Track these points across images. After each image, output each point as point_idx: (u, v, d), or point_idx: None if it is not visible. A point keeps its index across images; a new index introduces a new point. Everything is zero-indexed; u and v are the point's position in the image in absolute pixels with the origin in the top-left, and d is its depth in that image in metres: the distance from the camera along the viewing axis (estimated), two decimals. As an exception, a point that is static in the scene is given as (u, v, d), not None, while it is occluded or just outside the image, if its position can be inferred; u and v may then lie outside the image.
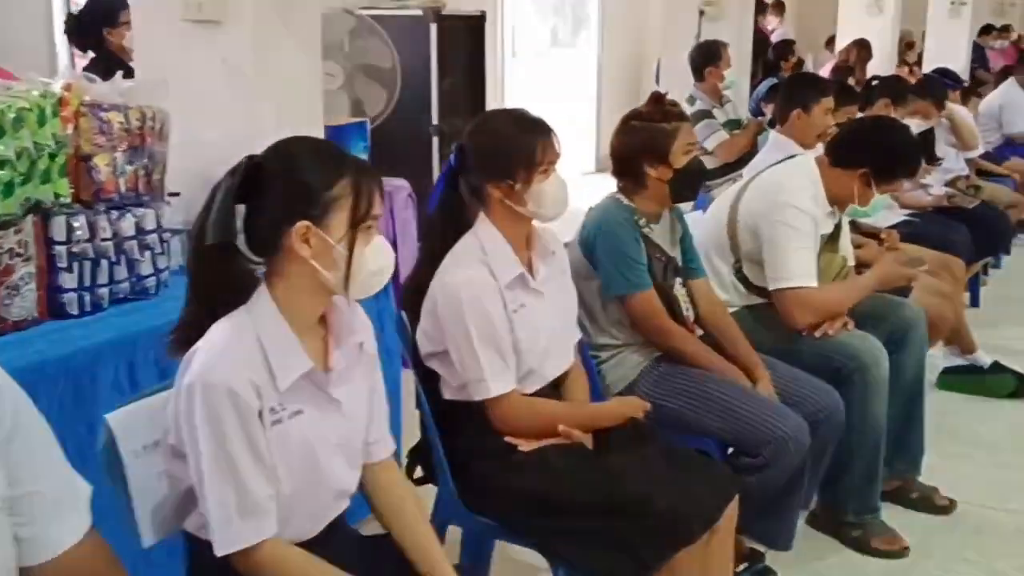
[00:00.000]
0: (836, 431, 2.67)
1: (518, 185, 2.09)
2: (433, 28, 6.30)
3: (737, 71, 6.36)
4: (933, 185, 5.06)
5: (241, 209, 1.53)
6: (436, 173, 6.49)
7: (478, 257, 2.09)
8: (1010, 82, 7.36)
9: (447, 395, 2.13)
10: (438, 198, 2.18)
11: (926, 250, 4.28)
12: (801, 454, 2.47)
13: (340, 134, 4.20)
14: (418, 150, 6.43)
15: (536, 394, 2.18)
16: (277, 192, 1.54)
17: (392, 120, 6.15)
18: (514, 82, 9.59)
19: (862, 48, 8.64)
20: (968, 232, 4.71)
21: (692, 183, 2.64)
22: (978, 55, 12.99)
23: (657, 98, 2.62)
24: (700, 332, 2.72)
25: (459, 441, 2.14)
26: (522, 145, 2.09)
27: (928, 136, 5.08)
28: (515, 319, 2.09)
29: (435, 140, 6.42)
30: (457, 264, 2.09)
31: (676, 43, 6.25)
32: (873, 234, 4.19)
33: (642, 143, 2.59)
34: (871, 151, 2.93)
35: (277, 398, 1.54)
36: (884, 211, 4.63)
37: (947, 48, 12.08)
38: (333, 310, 1.66)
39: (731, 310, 3.02)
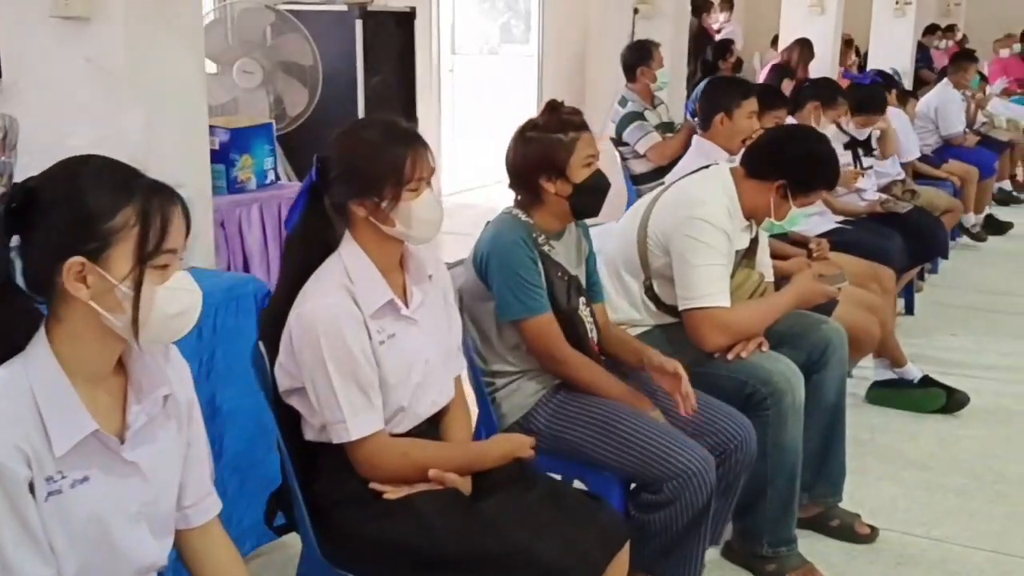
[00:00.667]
0: (747, 461, 2.51)
1: (384, 203, 1.88)
2: (359, 24, 6.08)
3: (672, 71, 6.21)
4: (867, 190, 4.94)
5: (15, 241, 1.32)
6: (363, 175, 6.28)
7: (340, 282, 1.88)
8: (944, 83, 7.28)
9: (308, 436, 1.93)
10: (299, 216, 1.96)
11: (856, 259, 4.15)
12: (706, 490, 2.29)
13: (243, 137, 3.96)
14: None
15: (410, 433, 1.98)
16: (50, 222, 1.33)
17: (315, 120, 5.91)
18: (456, 81, 9.38)
19: (804, 48, 8.54)
20: (902, 239, 4.58)
21: (593, 198, 2.45)
22: (923, 55, 12.99)
23: (553, 107, 2.43)
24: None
25: (322, 486, 1.94)
26: (390, 158, 1.88)
27: (863, 140, 4.98)
28: (382, 351, 1.89)
29: (361, 141, 6.20)
30: (316, 291, 1.88)
31: (610, 43, 6.07)
32: (803, 243, 4.06)
33: (538, 156, 2.41)
34: (787, 162, 2.77)
35: (54, 465, 1.33)
36: (816, 218, 4.53)
37: (891, 48, 12.07)
38: (131, 358, 1.45)
39: (642, 330, 2.86)
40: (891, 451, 3.65)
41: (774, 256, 3.78)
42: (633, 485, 2.39)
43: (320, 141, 6.22)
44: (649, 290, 2.83)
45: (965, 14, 16.06)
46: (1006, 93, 12.47)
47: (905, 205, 4.89)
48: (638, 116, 5.25)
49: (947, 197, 5.74)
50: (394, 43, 6.48)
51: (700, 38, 10.26)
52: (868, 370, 4.17)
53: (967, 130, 7.26)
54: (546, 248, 2.42)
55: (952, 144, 7.06)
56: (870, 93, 5.02)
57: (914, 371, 4.04)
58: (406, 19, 6.54)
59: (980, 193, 7.00)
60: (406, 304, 1.97)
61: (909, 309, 5.32)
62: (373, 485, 1.89)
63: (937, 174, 6.51)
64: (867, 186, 4.94)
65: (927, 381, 4.02)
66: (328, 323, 1.82)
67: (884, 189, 5.57)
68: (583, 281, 2.56)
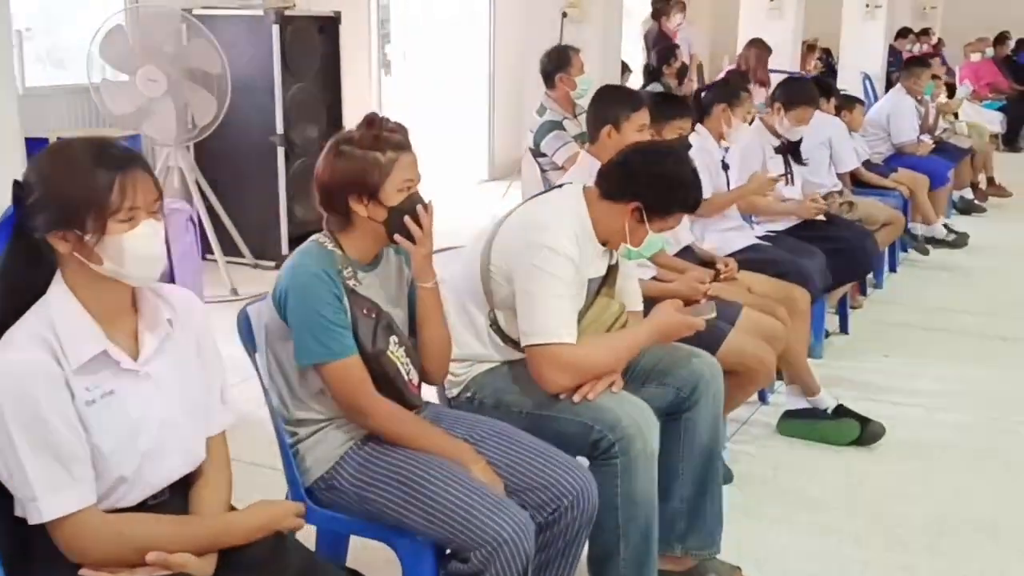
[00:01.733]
0: (586, 517, 2.23)
1: (88, 236, 1.60)
2: (276, 29, 5.81)
3: (603, 78, 5.95)
4: (795, 200, 4.67)
5: None
6: (282, 186, 6.01)
7: (38, 333, 1.60)
8: (897, 89, 7.02)
9: (17, 511, 1.65)
10: (3, 253, 1.68)
11: (768, 279, 3.90)
12: (519, 560, 2.02)
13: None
14: (260, 162, 5.94)
15: (146, 506, 1.71)
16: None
17: (230, 130, 5.66)
18: (400, 86, 9.12)
19: (758, 49, 8.27)
20: (825, 257, 4.32)
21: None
22: (896, 59, 12.73)
23: (371, 121, 2.16)
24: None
25: (33, 570, 1.66)
26: (91, 183, 1.60)
27: (795, 144, 4.70)
28: (91, 413, 1.61)
29: (280, 151, 5.94)
30: (6, 345, 1.60)
31: (539, 47, 5.79)
32: (710, 262, 3.80)
33: (348, 175, 2.14)
34: (642, 182, 2.50)
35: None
36: (732, 234, 4.26)
37: (862, 52, 11.83)
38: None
39: (488, 366, 2.59)
40: (792, 491, 3.38)
41: (670, 269, 3.54)
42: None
43: (235, 152, 5.96)
44: (494, 323, 2.56)
45: (942, 18, 15.85)
46: (976, 97, 12.26)
47: (841, 209, 4.63)
48: (556, 125, 4.99)
49: (887, 209, 5.46)
50: (317, 49, 6.22)
51: (660, 43, 10.01)
52: (783, 397, 3.91)
53: (920, 138, 6.99)
54: (352, 282, 2.15)
55: (904, 152, 6.81)
56: (798, 85, 4.76)
57: (827, 400, 3.78)
58: (330, 24, 6.28)
59: (933, 203, 6.74)
60: (136, 355, 1.70)
61: (843, 328, 5.05)
62: (83, 572, 1.61)
63: (884, 183, 6.25)
64: (794, 195, 4.67)
65: (841, 411, 3.75)
66: (14, 385, 1.54)
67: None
68: (405, 315, 2.29)
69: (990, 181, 8.69)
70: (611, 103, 3.40)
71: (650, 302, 2.99)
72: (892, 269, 6.21)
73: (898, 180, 6.33)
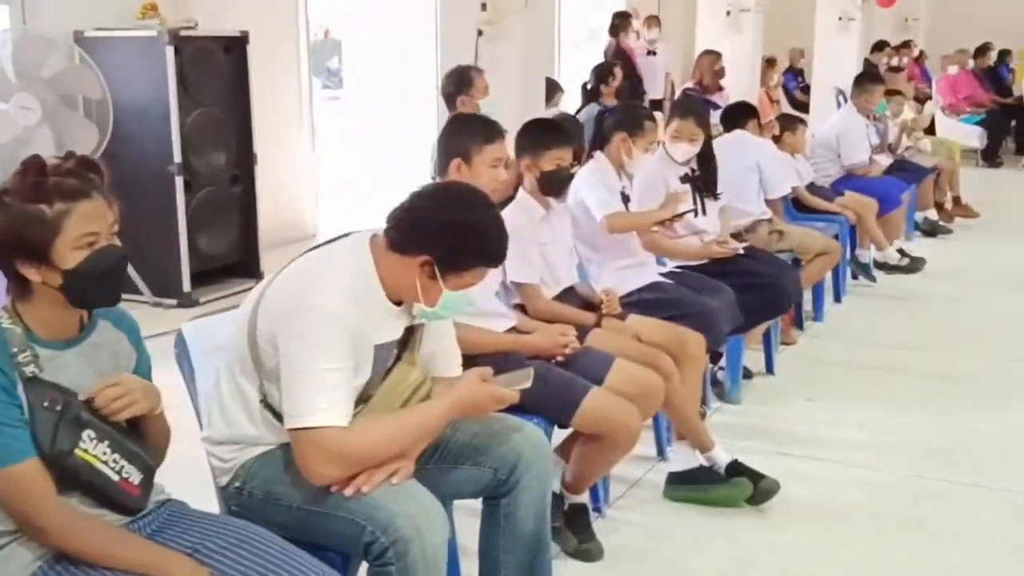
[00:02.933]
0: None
1: None
2: (170, 51, 5.43)
3: (525, 98, 5.60)
4: (707, 232, 4.27)
5: None
6: (182, 219, 5.63)
7: None
8: (848, 107, 6.63)
9: None
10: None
11: (659, 323, 3.52)
12: None
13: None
14: (159, 193, 5.56)
15: None
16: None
17: (123, 159, 5.27)
18: (349, 107, 8.78)
19: (710, 60, 7.91)
20: (736, 293, 3.92)
21: (100, 284, 1.83)
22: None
23: (28, 167, 1.78)
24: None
25: None
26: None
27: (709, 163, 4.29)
28: None
29: (179, 181, 5.57)
30: None
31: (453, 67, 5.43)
32: (590, 305, 3.43)
33: (6, 234, 1.77)
34: (432, 232, 2.11)
35: None
36: (630, 271, 3.86)
37: (834, 65, 11.47)
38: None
39: (263, 449, 2.20)
40: (671, 568, 2.98)
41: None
42: None
43: (130, 183, 5.52)
44: (264, 398, 2.17)
45: (927, 30, 15.48)
46: (953, 111, 11.88)
47: (739, 246, 4.23)
48: (457, 152, 4.61)
49: (821, 238, 5.06)
50: (222, 71, 5.86)
51: (619, 60, 9.64)
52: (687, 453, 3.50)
53: (874, 158, 6.60)
54: (31, 368, 1.76)
55: (856, 174, 6.41)
56: (682, 101, 4.38)
57: (721, 456, 3.37)
58: (237, 44, 5.91)
59: (887, 227, 6.34)
60: None
61: (768, 367, 4.66)
62: None
63: (828, 207, 5.86)
64: (707, 228, 4.27)
65: (736, 469, 3.35)
66: None
67: (749, 229, 4.93)
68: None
69: (956, 201, 8.28)
70: (461, 134, 3.01)
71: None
72: (837, 299, 5.81)
73: (844, 204, 5.94)
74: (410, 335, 2.25)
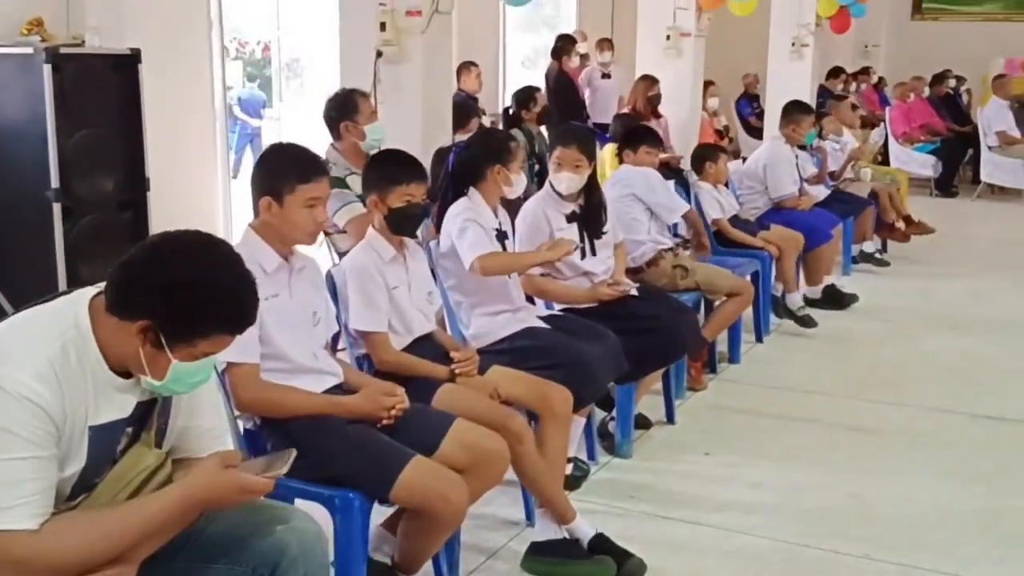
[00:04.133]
0: None
1: None
2: (47, 70, 5.08)
3: (428, 124, 5.29)
4: (597, 274, 3.96)
5: None
6: (60, 247, 5.28)
7: None
8: (775, 137, 6.37)
9: None
10: None
11: (521, 376, 3.25)
12: None
13: None
14: (33, 219, 5.21)
15: None
16: None
17: (-3, 183, 4.95)
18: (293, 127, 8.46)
19: (646, 85, 7.63)
20: (623, 338, 3.61)
21: None
22: (823, 100, 12.14)
23: None
24: None
25: None
26: None
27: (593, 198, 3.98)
28: None
29: (57, 207, 5.21)
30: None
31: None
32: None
33: None
34: (154, 292, 1.79)
35: None
36: (503, 317, 3.56)
37: (787, 91, 11.23)
38: None
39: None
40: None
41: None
42: None
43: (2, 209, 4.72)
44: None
45: (886, 57, 15.33)
46: (907, 140, 11.68)
47: (631, 286, 3.93)
48: (339, 182, 4.29)
49: (731, 278, 4.76)
50: (111, 91, 5.51)
51: (560, 84, 9.39)
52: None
53: (805, 190, 6.33)
54: None
55: (784, 207, 6.14)
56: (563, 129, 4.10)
57: (584, 529, 3.06)
58: (128, 62, 5.57)
59: (815, 263, 6.07)
60: None
61: (669, 417, 4.35)
62: None
63: (750, 242, 5.58)
64: (595, 269, 3.96)
65: (600, 545, 3.03)
66: None
67: (651, 263, 4.64)
68: None
69: (907, 220, 7.97)
70: (275, 169, 2.69)
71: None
72: (759, 339, 5.51)
73: (767, 238, 5.65)
74: (148, 411, 1.93)
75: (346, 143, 4.40)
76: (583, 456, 3.80)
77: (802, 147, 6.43)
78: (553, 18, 13.04)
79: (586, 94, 10.00)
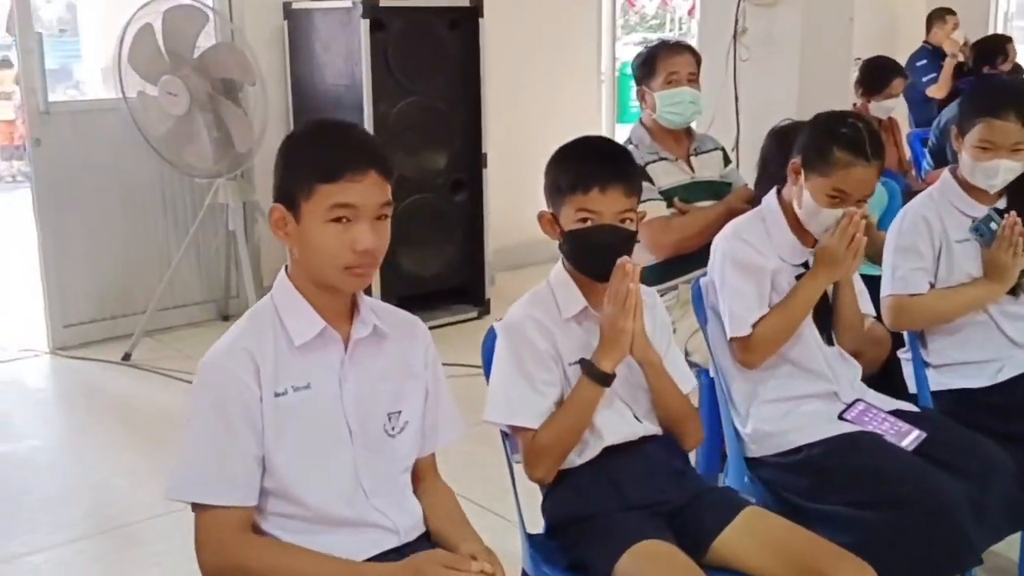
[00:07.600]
0: None
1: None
2: (363, 26, 4.53)
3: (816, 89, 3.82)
4: None
5: None
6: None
7: None
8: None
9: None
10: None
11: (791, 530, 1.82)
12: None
13: None
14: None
15: None
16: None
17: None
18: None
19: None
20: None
21: None
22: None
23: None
24: None
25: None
26: None
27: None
28: None
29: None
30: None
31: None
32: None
33: None
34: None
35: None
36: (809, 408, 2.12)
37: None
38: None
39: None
40: None
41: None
42: None
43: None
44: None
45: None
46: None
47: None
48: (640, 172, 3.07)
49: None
50: (444, 51, 4.78)
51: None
52: None
53: None
54: None
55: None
56: None
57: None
58: (467, 16, 4.76)
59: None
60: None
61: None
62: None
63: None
64: None
65: None
66: None
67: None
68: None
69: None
70: (293, 161, 1.64)
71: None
72: None
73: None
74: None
75: (647, 117, 3.17)
76: None
77: None
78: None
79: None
